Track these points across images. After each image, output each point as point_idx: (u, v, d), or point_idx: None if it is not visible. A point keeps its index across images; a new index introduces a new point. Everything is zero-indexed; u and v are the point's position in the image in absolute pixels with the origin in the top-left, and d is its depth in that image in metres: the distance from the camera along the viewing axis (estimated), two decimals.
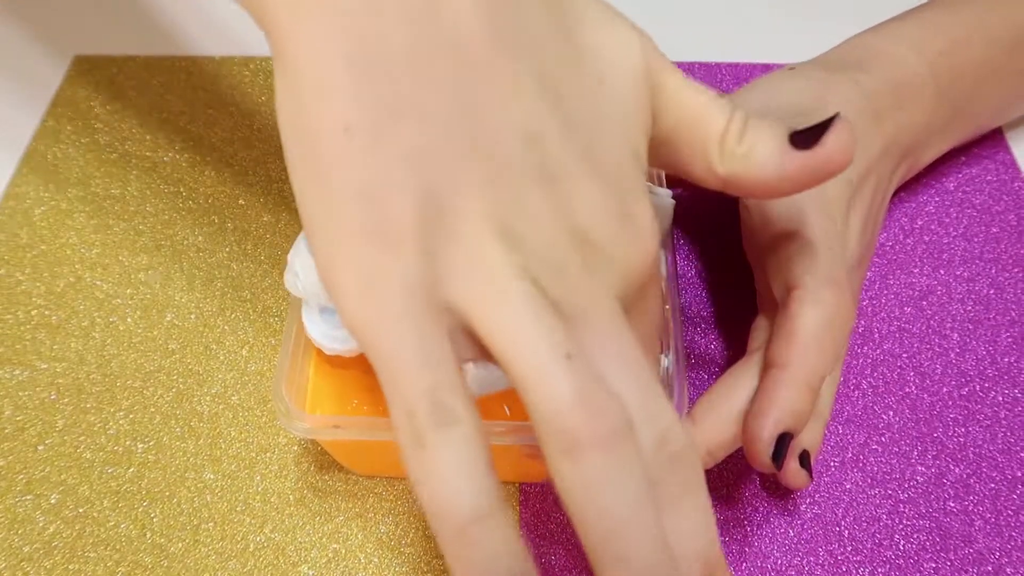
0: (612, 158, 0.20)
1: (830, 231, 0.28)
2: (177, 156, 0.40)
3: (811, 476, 0.28)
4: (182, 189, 0.39)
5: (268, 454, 0.31)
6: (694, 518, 0.19)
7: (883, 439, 0.31)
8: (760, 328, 0.29)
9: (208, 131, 0.41)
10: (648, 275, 0.21)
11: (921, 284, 0.35)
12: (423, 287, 0.18)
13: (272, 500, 0.30)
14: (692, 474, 0.19)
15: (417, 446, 0.18)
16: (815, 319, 0.26)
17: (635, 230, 0.20)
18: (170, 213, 0.38)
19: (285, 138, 0.20)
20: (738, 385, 0.27)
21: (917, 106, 0.33)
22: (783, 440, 0.25)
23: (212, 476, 0.31)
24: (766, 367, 0.26)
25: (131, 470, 0.31)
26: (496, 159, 0.19)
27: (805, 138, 0.22)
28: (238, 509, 0.30)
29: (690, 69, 0.43)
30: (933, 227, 0.37)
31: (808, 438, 0.28)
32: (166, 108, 0.42)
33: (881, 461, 0.31)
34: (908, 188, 0.38)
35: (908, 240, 0.37)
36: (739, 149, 0.22)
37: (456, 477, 0.18)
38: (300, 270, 0.25)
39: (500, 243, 0.19)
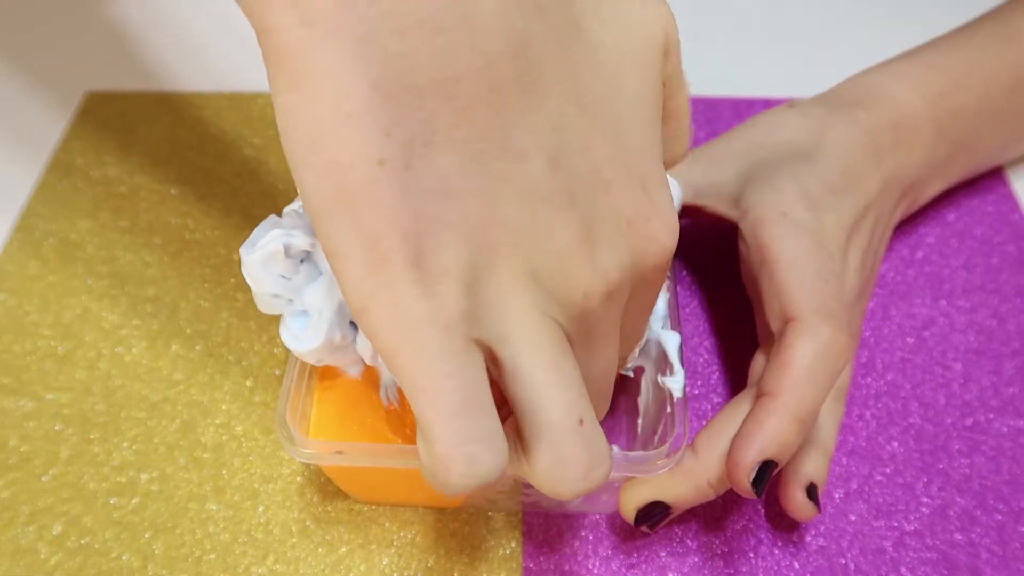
0: (638, 154, 0.21)
1: (828, 265, 0.28)
2: (186, 189, 0.41)
3: (818, 508, 0.28)
4: (190, 221, 0.39)
5: (271, 484, 0.31)
6: None
7: (887, 470, 0.31)
8: (760, 362, 0.29)
9: (216, 164, 0.42)
10: (663, 268, 0.22)
11: (923, 315, 0.36)
12: (460, 325, 0.18)
13: (275, 531, 0.30)
14: None
15: (444, 487, 0.19)
16: (810, 351, 0.26)
17: (655, 229, 0.21)
18: (178, 245, 0.39)
19: (300, 167, 0.18)
20: (736, 417, 0.27)
21: (917, 144, 0.34)
22: (765, 468, 0.25)
23: (215, 507, 0.31)
24: (758, 395, 0.26)
25: (135, 500, 0.31)
26: (527, 188, 0.19)
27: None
28: (241, 540, 0.30)
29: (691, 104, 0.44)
30: (934, 258, 0.37)
31: (813, 471, 0.28)
32: (175, 142, 0.43)
33: (886, 492, 0.31)
34: (908, 219, 0.38)
35: (909, 271, 0.37)
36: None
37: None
38: (252, 285, 0.25)
39: (531, 282, 0.19)
